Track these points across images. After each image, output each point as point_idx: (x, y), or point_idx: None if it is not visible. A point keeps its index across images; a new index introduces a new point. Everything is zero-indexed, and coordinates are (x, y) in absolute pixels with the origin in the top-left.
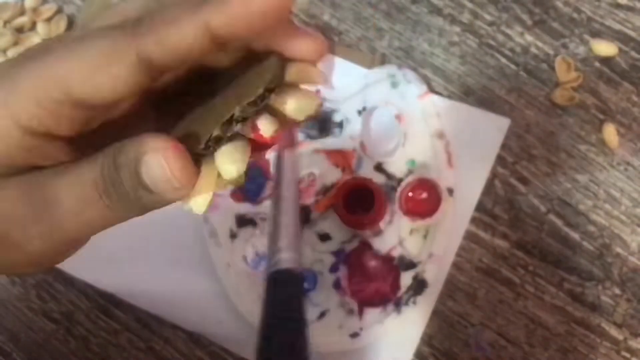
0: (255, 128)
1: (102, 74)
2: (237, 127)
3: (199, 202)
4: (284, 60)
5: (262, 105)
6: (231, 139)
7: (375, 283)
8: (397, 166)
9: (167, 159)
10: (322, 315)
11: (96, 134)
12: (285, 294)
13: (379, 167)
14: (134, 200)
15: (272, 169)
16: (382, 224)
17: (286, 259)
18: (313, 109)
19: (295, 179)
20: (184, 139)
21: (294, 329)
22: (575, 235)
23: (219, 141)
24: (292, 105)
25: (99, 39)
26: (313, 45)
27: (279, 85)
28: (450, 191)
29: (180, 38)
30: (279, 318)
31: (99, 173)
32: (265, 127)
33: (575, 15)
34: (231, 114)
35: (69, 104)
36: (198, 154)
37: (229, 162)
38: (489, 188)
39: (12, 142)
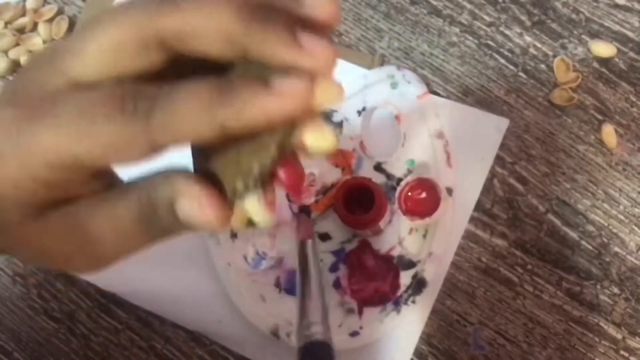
0: (276, 177)
1: (115, 156)
2: (258, 178)
3: (240, 228)
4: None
5: (281, 158)
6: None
7: (374, 282)
8: (396, 166)
9: (200, 205)
10: None
11: None
12: None
13: (378, 167)
14: (171, 230)
15: (296, 258)
16: (381, 224)
17: (318, 331)
18: (330, 147)
19: (318, 261)
20: (211, 178)
21: None
22: (573, 235)
23: (240, 195)
24: (311, 145)
25: (110, 124)
26: (322, 56)
27: (290, 146)
28: (450, 191)
29: (193, 135)
30: None
31: (137, 211)
32: (317, 143)
33: (573, 16)
34: (251, 166)
35: (82, 168)
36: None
37: (254, 214)
38: (487, 188)
39: (32, 190)
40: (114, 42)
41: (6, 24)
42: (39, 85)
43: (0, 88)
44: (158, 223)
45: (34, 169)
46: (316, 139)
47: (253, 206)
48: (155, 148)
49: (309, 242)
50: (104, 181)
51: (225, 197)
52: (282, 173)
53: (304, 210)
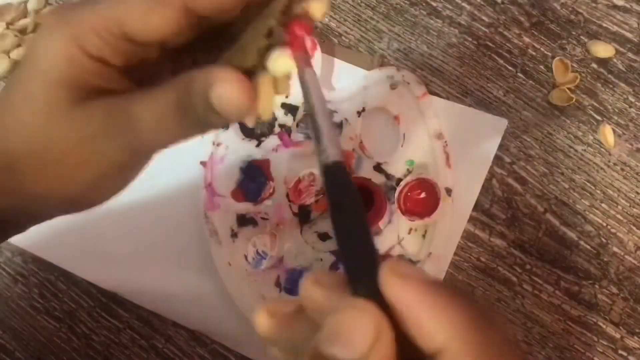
0: (291, 32)
1: (154, 15)
2: (278, 32)
3: (265, 110)
4: None
5: (291, 13)
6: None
7: None
8: (396, 166)
9: (233, 87)
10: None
11: (133, 73)
12: (342, 182)
13: (378, 167)
14: (204, 120)
15: (299, 86)
16: (381, 224)
17: (331, 153)
18: (325, 6)
19: (319, 88)
20: (235, 64)
21: (358, 208)
22: (572, 235)
23: (267, 50)
24: (313, 6)
25: None
26: None
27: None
28: (449, 191)
29: None
30: (345, 204)
31: (175, 97)
32: (316, 9)
33: (572, 17)
34: (269, 26)
35: (123, 38)
36: (250, 72)
37: (280, 60)
38: (486, 188)
39: (81, 66)
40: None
41: (8, 24)
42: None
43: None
44: (194, 112)
45: (82, 37)
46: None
47: (278, 57)
48: (188, 7)
49: (307, 70)
50: (130, 86)
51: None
52: (295, 26)
53: (304, 209)
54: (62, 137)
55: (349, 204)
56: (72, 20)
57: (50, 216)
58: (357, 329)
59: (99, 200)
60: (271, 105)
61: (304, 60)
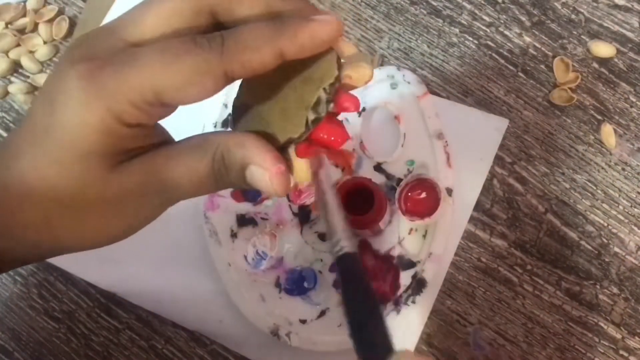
0: (339, 104)
1: (194, 87)
2: (329, 107)
3: (302, 179)
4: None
5: (338, 84)
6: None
7: (374, 282)
8: (396, 166)
9: (271, 178)
10: (322, 314)
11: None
12: (354, 271)
13: (378, 167)
14: (236, 186)
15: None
16: (381, 224)
17: (345, 245)
18: (369, 76)
19: (332, 187)
20: (270, 136)
21: (372, 297)
22: (573, 235)
23: (315, 123)
24: (355, 75)
25: (190, 56)
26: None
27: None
28: (449, 191)
29: (260, 62)
30: (357, 291)
31: (211, 167)
32: (359, 74)
33: (573, 16)
34: (317, 96)
35: (158, 105)
36: (286, 143)
37: (300, 172)
38: (487, 188)
39: (119, 135)
40: (171, 10)
41: (7, 24)
42: (102, 49)
43: (65, 50)
44: (227, 179)
45: (119, 109)
46: (355, 71)
47: (300, 171)
48: (227, 77)
49: (321, 171)
50: (162, 137)
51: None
52: (341, 99)
53: (304, 209)
54: (98, 199)
55: (362, 292)
56: (105, 91)
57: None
58: None
59: (118, 239)
60: (307, 174)
61: (319, 162)
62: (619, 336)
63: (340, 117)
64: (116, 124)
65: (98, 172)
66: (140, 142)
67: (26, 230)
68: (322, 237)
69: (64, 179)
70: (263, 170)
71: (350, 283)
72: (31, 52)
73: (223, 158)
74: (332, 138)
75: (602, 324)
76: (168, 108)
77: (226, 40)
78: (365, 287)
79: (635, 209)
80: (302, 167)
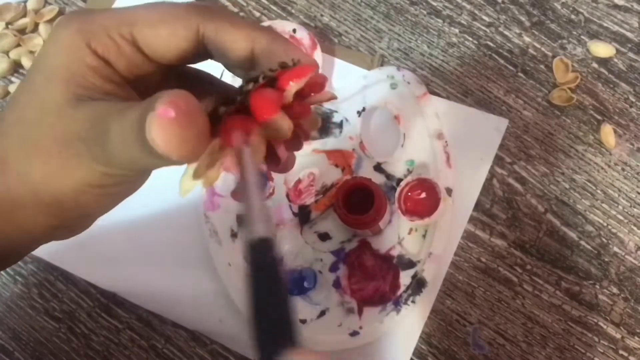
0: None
1: (166, 27)
2: (268, 76)
3: (209, 176)
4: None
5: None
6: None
7: (374, 282)
8: (396, 166)
9: (150, 122)
10: (322, 314)
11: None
12: (266, 260)
13: (378, 167)
14: (147, 154)
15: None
16: (381, 224)
17: (259, 229)
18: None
19: (255, 165)
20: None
21: (279, 286)
22: (573, 235)
23: (245, 96)
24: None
25: (172, 5)
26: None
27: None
28: (449, 191)
29: (235, 49)
30: (265, 284)
31: (138, 117)
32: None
33: (573, 16)
34: (258, 73)
35: (131, 44)
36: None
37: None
38: (487, 188)
39: (83, 60)
40: (174, 32)
41: (7, 24)
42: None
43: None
44: (143, 137)
45: (89, 31)
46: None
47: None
48: (199, 37)
49: (245, 149)
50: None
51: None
52: (283, 79)
53: (304, 209)
54: (50, 134)
55: (270, 282)
56: (83, 17)
57: (37, 242)
58: None
59: (83, 219)
60: (218, 173)
61: (242, 138)
62: (618, 336)
63: (339, 118)
64: (84, 47)
65: (58, 98)
66: (107, 86)
67: None
68: (322, 237)
69: (31, 108)
70: (156, 116)
71: (259, 274)
72: (31, 52)
73: (142, 113)
74: (259, 108)
75: (601, 324)
76: (140, 57)
77: (213, 8)
78: (275, 280)
79: (635, 209)
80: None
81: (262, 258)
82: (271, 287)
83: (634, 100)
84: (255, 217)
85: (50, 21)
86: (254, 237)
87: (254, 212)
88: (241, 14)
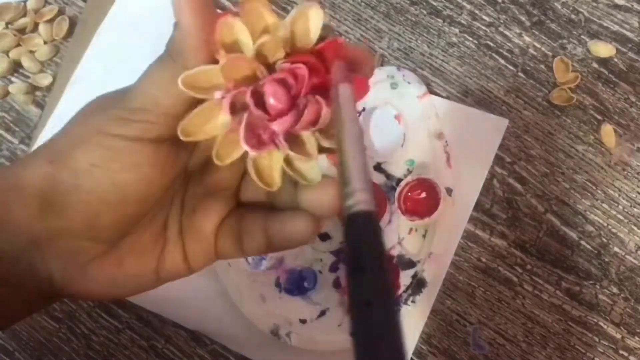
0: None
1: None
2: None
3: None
4: None
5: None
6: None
7: None
8: (396, 166)
9: None
10: (322, 313)
11: None
12: (366, 234)
13: (378, 167)
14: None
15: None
16: (381, 224)
17: (361, 200)
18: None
19: (354, 112)
20: None
21: (382, 263)
22: (573, 235)
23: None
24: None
25: None
26: None
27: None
28: (449, 191)
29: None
30: (365, 256)
31: None
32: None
33: (573, 16)
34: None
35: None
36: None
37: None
38: (487, 188)
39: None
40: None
41: (7, 24)
42: None
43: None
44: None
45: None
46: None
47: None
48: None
49: (344, 87)
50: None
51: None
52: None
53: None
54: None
55: (374, 268)
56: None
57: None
58: None
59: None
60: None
61: (340, 72)
62: (618, 336)
63: None
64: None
65: (92, 252)
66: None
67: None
68: (322, 237)
69: None
70: None
71: (361, 255)
72: (31, 52)
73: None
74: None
75: (601, 324)
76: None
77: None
78: (380, 262)
79: (635, 209)
80: (309, 140)
81: (364, 236)
82: (375, 276)
83: (634, 100)
84: (356, 183)
85: (50, 21)
86: (355, 210)
87: (355, 177)
88: None
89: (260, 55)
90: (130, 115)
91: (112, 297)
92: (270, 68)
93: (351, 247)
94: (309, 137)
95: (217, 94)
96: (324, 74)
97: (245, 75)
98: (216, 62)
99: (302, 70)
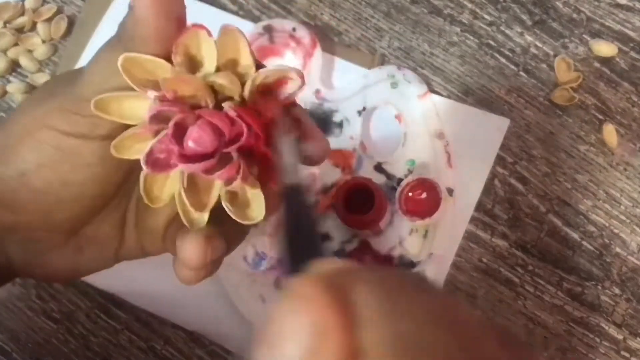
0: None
1: None
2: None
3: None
4: None
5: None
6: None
7: None
8: (397, 166)
9: None
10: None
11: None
12: (294, 206)
13: (378, 167)
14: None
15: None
16: (382, 224)
17: (290, 177)
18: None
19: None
20: None
21: (308, 234)
22: (574, 235)
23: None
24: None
25: None
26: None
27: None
28: (450, 191)
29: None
30: (294, 229)
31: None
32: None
33: (574, 15)
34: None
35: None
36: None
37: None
38: (488, 188)
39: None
40: None
41: (5, 23)
42: None
43: None
44: None
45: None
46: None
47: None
48: None
49: (285, 137)
50: None
51: None
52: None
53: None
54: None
55: (301, 221)
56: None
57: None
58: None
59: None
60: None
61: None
62: (620, 337)
63: (339, 117)
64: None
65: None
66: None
67: None
68: (322, 237)
69: None
70: None
71: (292, 216)
72: (29, 51)
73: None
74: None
75: (603, 325)
76: None
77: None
78: (306, 218)
79: (637, 209)
80: (256, 198)
81: (294, 201)
82: (302, 224)
83: (636, 99)
84: (287, 168)
85: (49, 20)
86: (287, 184)
87: (287, 166)
88: (241, 12)
89: (212, 84)
90: (77, 108)
91: (73, 279)
92: (216, 99)
93: (286, 209)
94: (215, 188)
95: (150, 94)
96: (262, 139)
97: (187, 94)
98: (165, 57)
99: (242, 129)
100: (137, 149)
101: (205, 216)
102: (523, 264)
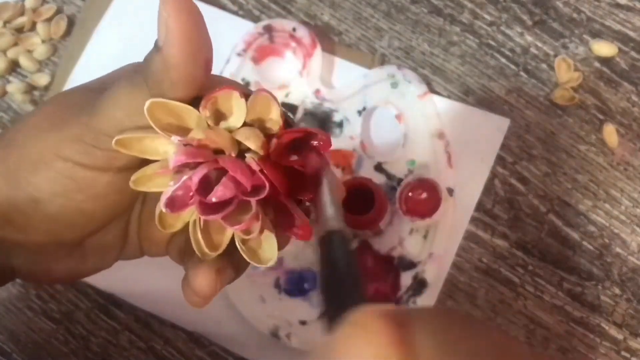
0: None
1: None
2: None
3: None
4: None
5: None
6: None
7: (375, 283)
8: (397, 166)
9: (168, 12)
10: (323, 314)
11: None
12: (339, 251)
13: (379, 167)
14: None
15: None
16: (382, 224)
17: (333, 225)
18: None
19: (332, 174)
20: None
21: (353, 278)
22: (575, 235)
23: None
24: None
25: None
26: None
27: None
28: (450, 191)
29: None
30: (338, 272)
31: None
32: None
33: (575, 15)
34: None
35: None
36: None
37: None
38: (488, 188)
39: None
40: None
41: (5, 23)
42: None
43: None
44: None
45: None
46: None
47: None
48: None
49: (326, 173)
50: None
51: None
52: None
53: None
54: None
55: (351, 275)
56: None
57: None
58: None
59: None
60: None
61: (317, 162)
62: (620, 337)
63: (340, 117)
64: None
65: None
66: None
67: None
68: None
69: None
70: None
71: (335, 261)
72: (29, 51)
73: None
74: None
75: (603, 325)
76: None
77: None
78: (353, 274)
79: (638, 209)
80: (269, 240)
81: (337, 247)
82: (344, 270)
83: (636, 99)
84: (327, 212)
85: (48, 20)
86: (325, 230)
87: (327, 208)
88: (240, 12)
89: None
90: (95, 141)
91: (73, 282)
92: (239, 147)
93: (326, 262)
94: (228, 233)
95: (174, 138)
96: (281, 193)
97: (214, 146)
98: (190, 100)
99: (262, 181)
100: (156, 183)
101: (214, 255)
102: (523, 264)
